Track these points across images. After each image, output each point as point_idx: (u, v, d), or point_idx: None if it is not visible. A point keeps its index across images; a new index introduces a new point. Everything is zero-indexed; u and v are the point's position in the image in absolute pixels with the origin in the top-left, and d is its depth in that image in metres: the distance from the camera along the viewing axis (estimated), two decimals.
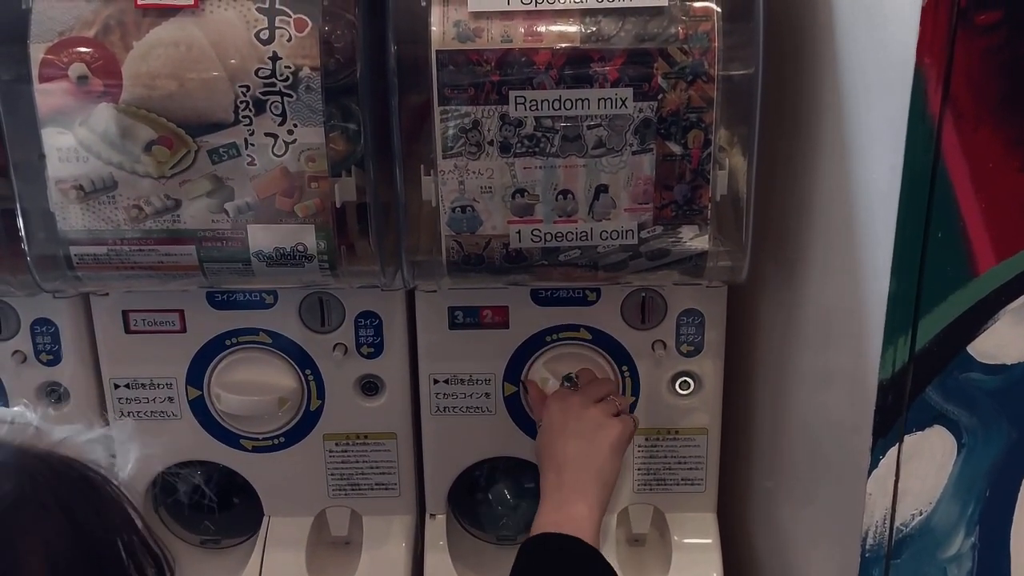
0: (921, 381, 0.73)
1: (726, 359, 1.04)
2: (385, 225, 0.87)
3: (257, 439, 1.07)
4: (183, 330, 1.03)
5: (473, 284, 0.93)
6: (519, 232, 0.86)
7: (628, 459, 1.07)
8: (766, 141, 0.84)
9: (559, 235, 0.86)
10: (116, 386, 1.05)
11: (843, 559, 0.81)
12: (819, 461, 0.91)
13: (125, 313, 1.02)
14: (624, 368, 1.04)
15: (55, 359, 1.03)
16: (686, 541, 1.08)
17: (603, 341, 1.03)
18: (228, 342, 1.03)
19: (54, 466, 0.57)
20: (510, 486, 1.14)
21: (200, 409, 1.05)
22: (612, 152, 0.82)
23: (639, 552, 1.11)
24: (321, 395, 1.05)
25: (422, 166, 0.85)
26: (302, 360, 1.04)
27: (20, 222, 0.85)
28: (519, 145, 0.82)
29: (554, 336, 1.03)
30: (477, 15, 0.81)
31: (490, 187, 0.84)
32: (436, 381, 1.05)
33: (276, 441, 1.07)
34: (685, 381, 1.05)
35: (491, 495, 1.14)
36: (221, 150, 0.82)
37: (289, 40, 0.81)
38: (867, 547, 0.78)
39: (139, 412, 1.05)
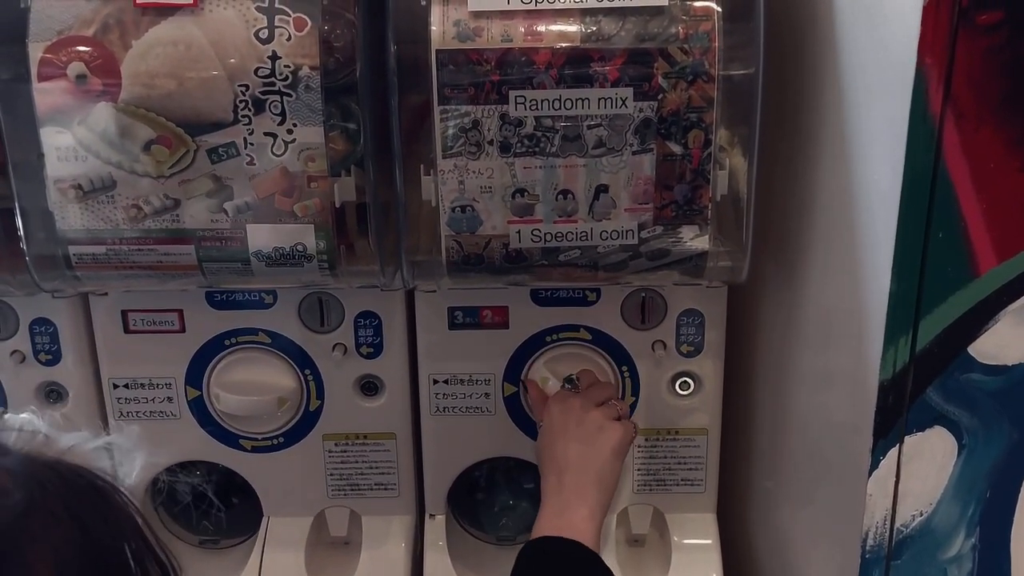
0: (922, 382, 0.73)
1: (726, 359, 1.04)
2: (385, 225, 0.87)
3: (256, 439, 1.07)
4: (182, 330, 1.02)
5: (473, 284, 0.93)
6: (519, 232, 0.85)
7: (628, 459, 1.06)
8: (766, 141, 0.84)
9: (559, 235, 0.86)
10: (115, 386, 1.05)
11: (843, 560, 0.81)
12: (819, 462, 0.91)
13: (124, 313, 1.02)
14: (624, 368, 1.04)
15: (54, 359, 1.03)
16: (686, 542, 1.08)
17: (603, 341, 1.03)
18: (227, 342, 1.03)
19: (63, 474, 0.57)
20: (510, 486, 1.14)
21: (199, 409, 1.05)
22: (612, 152, 0.82)
23: (639, 553, 1.11)
24: (320, 395, 1.05)
25: (422, 166, 0.84)
26: (301, 360, 1.04)
27: (19, 221, 0.85)
28: (519, 145, 0.82)
29: (554, 336, 1.03)
30: (477, 15, 0.81)
31: (490, 187, 0.84)
32: (436, 381, 1.04)
33: (275, 441, 1.07)
34: (685, 381, 1.04)
35: (491, 495, 1.14)
36: (220, 150, 0.82)
37: (288, 39, 0.81)
38: (867, 548, 0.77)
39: (138, 412, 1.05)
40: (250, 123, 0.81)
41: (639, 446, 1.07)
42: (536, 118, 0.81)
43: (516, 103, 0.81)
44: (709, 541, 1.08)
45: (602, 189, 0.84)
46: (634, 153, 0.82)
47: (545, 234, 0.86)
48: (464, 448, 1.08)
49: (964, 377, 0.73)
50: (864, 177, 0.76)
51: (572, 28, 0.81)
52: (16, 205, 0.84)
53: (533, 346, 1.03)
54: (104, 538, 0.56)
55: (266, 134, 0.82)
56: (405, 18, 0.81)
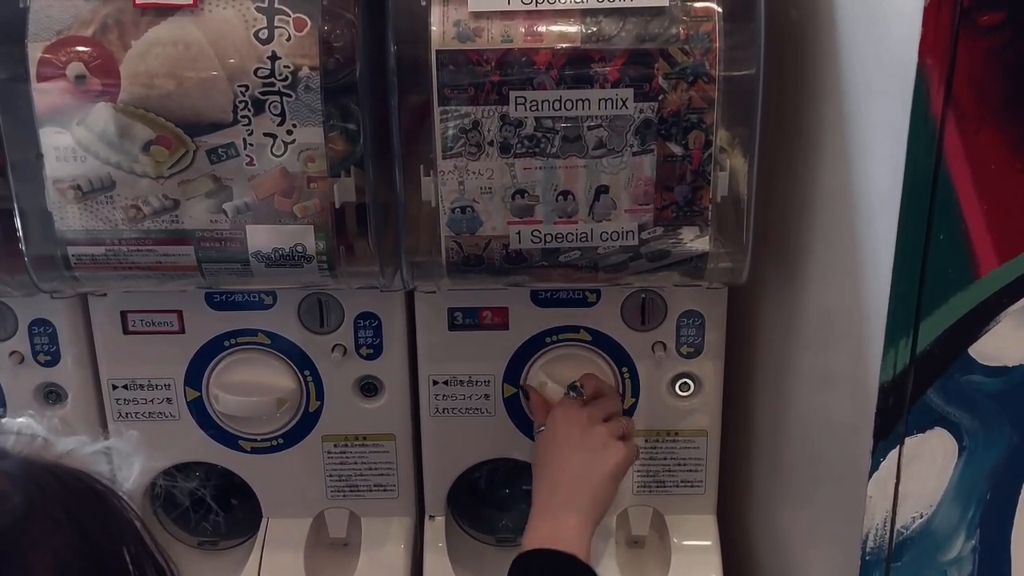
0: (922, 383, 0.73)
1: (726, 361, 1.04)
2: (384, 226, 0.87)
3: (256, 440, 1.06)
4: (181, 331, 1.02)
5: (473, 285, 0.93)
6: (519, 233, 0.85)
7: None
8: (767, 142, 0.83)
9: (559, 236, 0.85)
10: (114, 387, 1.04)
11: (843, 562, 0.81)
12: (819, 463, 0.91)
13: (123, 314, 1.02)
14: (624, 369, 1.04)
15: (53, 360, 1.03)
16: (685, 543, 1.08)
17: (603, 342, 1.03)
18: (227, 343, 1.03)
19: (62, 478, 0.57)
20: (509, 488, 1.14)
21: (198, 410, 1.05)
22: (612, 153, 0.82)
23: (638, 554, 1.11)
24: (320, 396, 1.05)
25: (422, 166, 0.84)
26: (301, 361, 1.03)
27: (18, 222, 0.85)
28: (519, 145, 0.82)
29: (554, 337, 1.03)
30: (477, 15, 0.81)
31: (490, 188, 0.83)
32: (435, 382, 1.04)
33: (275, 442, 1.06)
34: (685, 383, 1.04)
35: (490, 497, 1.14)
36: (220, 150, 0.82)
37: (288, 39, 0.80)
38: (867, 550, 0.77)
39: (137, 413, 1.05)
40: (250, 123, 0.81)
41: (639, 447, 1.06)
42: (536, 119, 0.81)
43: (516, 104, 0.80)
44: (709, 543, 1.08)
45: (602, 190, 0.84)
46: (634, 154, 0.82)
47: (545, 235, 0.85)
48: (464, 449, 1.07)
49: (965, 379, 0.73)
50: (865, 178, 0.76)
51: (572, 29, 0.81)
52: (15, 205, 0.84)
53: (533, 347, 1.03)
54: (103, 542, 0.56)
55: (266, 134, 0.82)
56: (405, 18, 0.81)
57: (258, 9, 0.81)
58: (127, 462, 0.62)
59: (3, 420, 0.62)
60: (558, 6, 0.81)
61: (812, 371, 0.93)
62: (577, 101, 0.80)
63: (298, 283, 0.92)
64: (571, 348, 1.03)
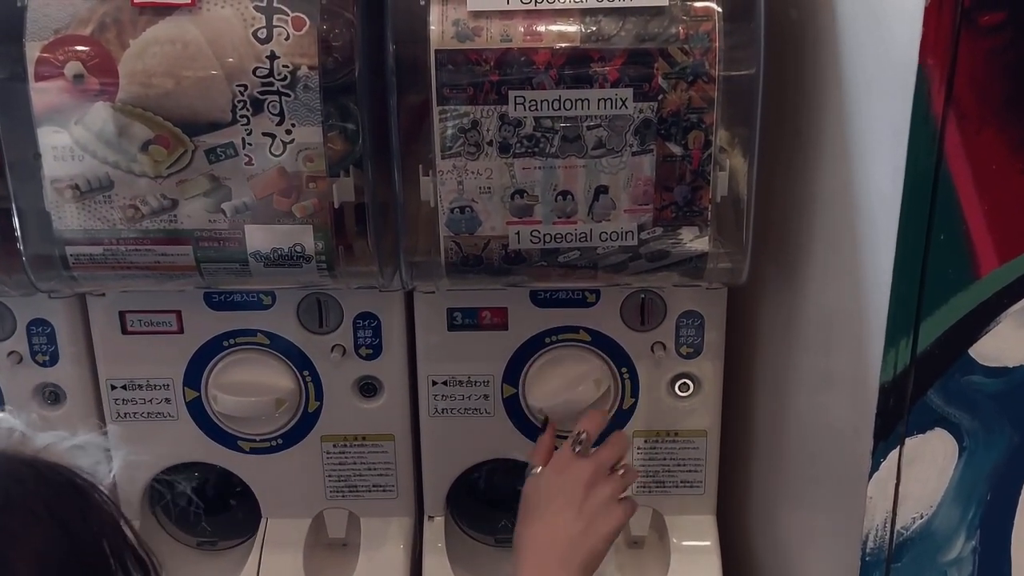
0: (922, 384, 0.73)
1: (726, 361, 1.04)
2: (383, 226, 0.87)
3: (255, 440, 1.06)
4: (180, 331, 1.02)
5: (472, 285, 0.93)
6: (518, 233, 0.85)
7: (628, 461, 1.07)
8: (767, 142, 0.83)
9: (558, 236, 0.85)
10: (113, 387, 1.04)
11: (843, 562, 0.81)
12: (819, 464, 0.91)
13: (122, 314, 1.02)
14: (623, 370, 1.04)
15: (51, 360, 1.03)
16: (685, 543, 1.08)
17: (602, 343, 1.02)
18: (226, 343, 1.03)
19: (41, 471, 0.57)
20: (509, 488, 1.13)
21: (197, 410, 1.05)
22: (612, 153, 0.82)
23: (638, 555, 1.11)
24: (319, 396, 1.05)
25: (421, 166, 0.84)
26: (300, 361, 1.03)
27: (16, 221, 0.85)
28: (518, 145, 0.82)
29: (553, 338, 1.02)
30: (476, 14, 0.80)
31: (489, 188, 0.83)
32: (435, 383, 1.04)
33: (274, 443, 1.06)
34: (685, 383, 1.04)
35: (490, 497, 1.13)
36: (218, 150, 0.82)
37: (287, 39, 0.80)
38: (867, 551, 0.77)
39: (136, 413, 1.05)
40: (248, 123, 0.81)
41: (638, 448, 1.06)
42: (535, 118, 0.81)
43: (515, 103, 0.80)
44: (708, 543, 1.08)
45: (602, 190, 0.83)
46: (634, 154, 0.82)
47: (544, 235, 0.85)
48: (463, 450, 1.07)
49: (965, 379, 0.73)
50: (865, 178, 0.76)
51: (572, 28, 0.80)
52: (13, 205, 0.84)
53: (532, 347, 1.03)
54: (83, 535, 0.56)
55: (264, 134, 0.82)
56: (404, 18, 0.81)
57: (257, 8, 0.80)
58: (107, 456, 0.62)
59: None
60: (557, 6, 0.80)
61: (812, 371, 0.93)
62: (576, 101, 0.80)
63: (297, 283, 0.92)
64: (571, 348, 1.03)
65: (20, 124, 0.81)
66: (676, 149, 0.82)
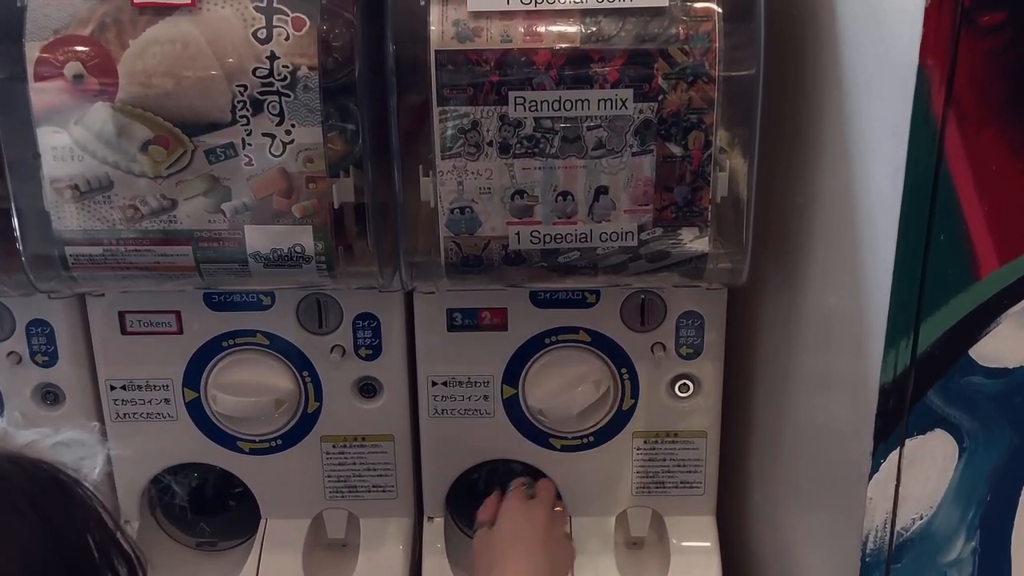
0: (923, 385, 0.73)
1: (726, 362, 1.04)
2: (383, 226, 0.87)
3: (254, 441, 1.06)
4: (179, 331, 1.02)
5: (471, 286, 0.93)
6: (518, 233, 0.85)
7: (627, 462, 1.07)
8: (767, 142, 0.83)
9: (558, 237, 0.85)
10: (112, 387, 1.04)
11: (843, 563, 0.81)
12: (819, 465, 0.91)
13: (121, 314, 1.02)
14: (623, 371, 1.03)
15: (51, 360, 1.02)
16: (685, 544, 1.08)
17: (602, 343, 1.02)
18: (225, 343, 1.03)
19: (25, 467, 0.57)
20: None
21: (197, 411, 1.05)
22: (612, 153, 0.82)
23: (637, 555, 1.11)
24: (319, 397, 1.05)
25: (421, 167, 0.84)
26: (300, 362, 1.03)
27: (15, 222, 0.84)
28: (518, 146, 0.82)
29: (553, 338, 1.02)
30: (476, 15, 0.80)
31: (489, 188, 0.83)
32: (434, 383, 1.04)
33: (273, 443, 1.06)
34: (684, 384, 1.04)
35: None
36: (218, 150, 0.82)
37: (287, 39, 0.80)
38: (867, 551, 0.77)
39: (135, 414, 1.05)
40: (248, 123, 0.81)
41: (638, 449, 1.06)
42: (535, 119, 0.81)
43: (515, 104, 0.80)
44: (708, 544, 1.08)
45: (602, 190, 0.83)
46: (634, 154, 0.82)
47: (544, 236, 0.85)
48: (463, 450, 1.07)
49: (965, 380, 0.73)
50: (865, 179, 0.75)
51: (572, 29, 0.80)
52: (12, 205, 0.84)
53: (532, 348, 1.03)
54: (67, 530, 0.57)
55: (264, 134, 0.81)
56: (404, 18, 0.81)
57: (256, 8, 0.80)
58: (91, 453, 0.62)
59: None
60: (557, 6, 0.80)
61: (812, 372, 0.93)
62: (576, 101, 0.80)
63: (297, 283, 0.92)
64: (570, 349, 1.03)
65: (20, 124, 0.81)
66: (676, 149, 0.82)
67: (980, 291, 0.70)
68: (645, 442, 1.06)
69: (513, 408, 1.05)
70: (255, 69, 0.80)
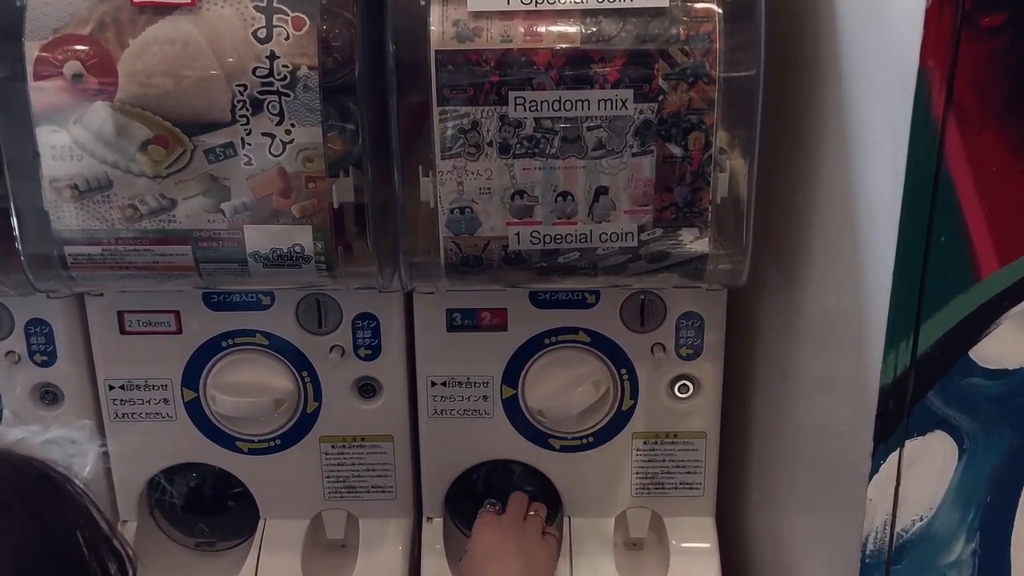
0: (922, 386, 0.73)
1: (726, 362, 1.04)
2: (383, 226, 0.87)
3: (253, 441, 1.06)
4: (179, 331, 1.02)
5: (471, 286, 0.93)
6: (518, 234, 0.85)
7: (627, 463, 1.07)
8: (767, 143, 0.83)
9: (558, 237, 0.85)
10: (111, 387, 1.04)
11: (843, 564, 0.80)
12: (819, 466, 0.91)
13: (120, 314, 1.01)
14: (623, 371, 1.03)
15: (50, 360, 1.02)
16: (684, 545, 1.08)
17: (602, 344, 1.02)
18: (224, 343, 1.02)
19: (15, 464, 0.57)
20: (507, 489, 1.13)
21: (196, 411, 1.05)
22: (612, 154, 0.82)
23: (637, 556, 1.10)
24: (318, 397, 1.04)
25: (420, 167, 0.84)
26: (299, 362, 1.03)
27: (14, 221, 0.84)
28: (518, 146, 0.81)
29: (553, 339, 1.02)
30: (476, 15, 0.80)
31: (489, 188, 0.83)
32: (434, 383, 1.04)
33: (272, 443, 1.06)
34: (684, 384, 1.04)
35: (488, 499, 1.13)
36: (218, 149, 0.82)
37: (287, 39, 0.80)
38: (867, 552, 0.77)
39: (134, 414, 1.05)
40: (248, 123, 0.81)
41: (637, 450, 1.06)
42: (536, 119, 0.81)
43: (515, 104, 0.80)
44: (707, 545, 1.08)
45: (602, 191, 0.83)
46: (634, 155, 0.82)
47: (544, 236, 0.85)
48: (462, 451, 1.07)
49: (965, 381, 0.73)
50: (865, 180, 0.75)
51: (572, 29, 0.80)
52: (11, 205, 0.84)
53: (532, 348, 1.03)
54: (57, 527, 0.57)
55: (264, 134, 0.81)
56: (404, 18, 0.81)
57: (256, 8, 0.80)
58: (81, 450, 0.62)
59: None
60: (558, 6, 0.80)
61: (812, 373, 0.93)
62: (576, 102, 0.80)
63: (296, 283, 0.91)
64: (570, 350, 1.02)
65: (19, 123, 0.81)
66: (676, 150, 0.82)
67: (980, 292, 0.70)
68: (645, 443, 1.06)
69: (513, 409, 1.05)
70: (255, 69, 0.80)
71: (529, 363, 1.03)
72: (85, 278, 0.88)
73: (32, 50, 0.80)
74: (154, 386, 1.04)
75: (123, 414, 1.04)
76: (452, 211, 0.84)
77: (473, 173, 0.83)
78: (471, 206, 0.84)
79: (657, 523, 1.09)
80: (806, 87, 0.87)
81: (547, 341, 1.02)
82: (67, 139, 0.81)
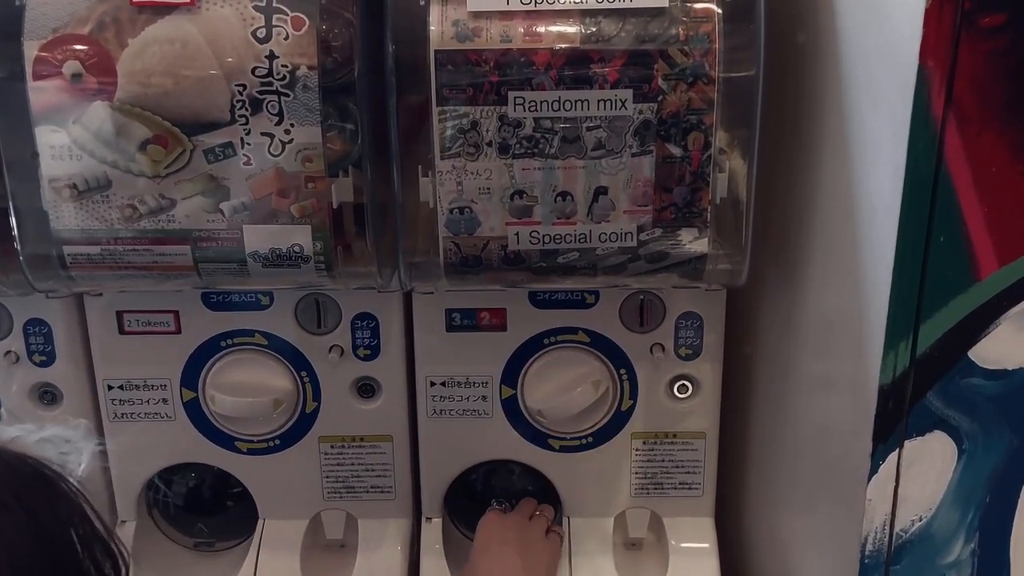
0: (922, 386, 0.73)
1: (725, 363, 1.04)
2: (382, 226, 0.87)
3: (252, 441, 1.06)
4: (178, 331, 1.02)
5: (470, 286, 0.93)
6: (517, 234, 0.85)
7: (626, 463, 1.07)
8: (767, 143, 0.83)
9: (558, 237, 0.85)
10: (110, 387, 1.04)
11: (842, 565, 0.80)
12: (819, 466, 0.91)
13: (119, 314, 1.01)
14: (622, 371, 1.03)
15: (48, 360, 1.02)
16: (683, 545, 1.08)
17: (601, 344, 1.02)
18: (223, 343, 1.02)
19: (9, 461, 0.57)
20: (507, 490, 1.13)
21: (195, 411, 1.05)
22: (611, 154, 0.82)
23: (636, 556, 1.10)
24: (317, 397, 1.04)
25: (420, 167, 0.84)
26: (298, 362, 1.03)
27: (13, 221, 0.84)
28: (518, 146, 0.81)
29: (552, 339, 1.02)
30: (476, 15, 0.80)
31: (488, 188, 0.83)
32: (433, 384, 1.04)
33: (271, 443, 1.06)
34: (683, 385, 1.04)
35: (487, 499, 1.13)
36: (217, 149, 0.82)
37: (286, 38, 0.80)
38: (866, 553, 0.77)
39: (133, 414, 1.05)
40: (247, 123, 0.81)
41: (637, 450, 1.06)
42: (535, 119, 0.81)
43: (515, 104, 0.80)
44: (707, 545, 1.08)
45: (601, 191, 0.83)
46: (633, 155, 0.82)
47: (543, 236, 0.85)
48: (461, 451, 1.07)
49: (964, 382, 0.73)
50: (865, 180, 0.75)
51: (572, 29, 0.80)
52: (10, 204, 0.84)
53: (531, 349, 1.03)
54: (51, 525, 0.57)
55: (263, 134, 0.81)
56: (404, 18, 0.81)
57: (256, 8, 0.80)
58: (75, 449, 0.62)
59: None
60: (557, 6, 0.80)
61: (811, 373, 0.93)
62: (576, 102, 0.80)
63: (295, 283, 0.91)
64: (569, 350, 1.02)
65: (18, 123, 0.81)
66: (676, 150, 0.82)
67: (980, 292, 0.70)
68: (644, 443, 1.06)
69: (512, 409, 1.05)
70: (254, 68, 0.80)
71: (528, 363, 1.03)
72: (84, 278, 0.88)
73: (31, 50, 0.80)
74: (153, 386, 1.04)
75: (122, 414, 1.04)
76: (451, 211, 0.84)
77: (472, 173, 0.83)
78: (470, 206, 0.84)
79: (656, 523, 1.09)
80: (806, 87, 0.87)
81: (546, 341, 1.02)
82: (66, 139, 0.81)
